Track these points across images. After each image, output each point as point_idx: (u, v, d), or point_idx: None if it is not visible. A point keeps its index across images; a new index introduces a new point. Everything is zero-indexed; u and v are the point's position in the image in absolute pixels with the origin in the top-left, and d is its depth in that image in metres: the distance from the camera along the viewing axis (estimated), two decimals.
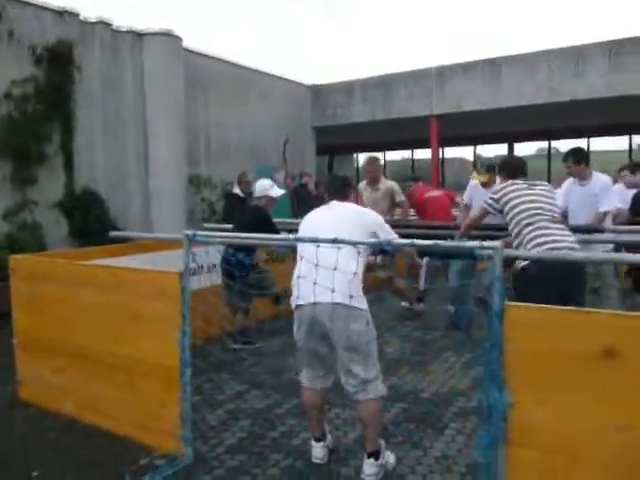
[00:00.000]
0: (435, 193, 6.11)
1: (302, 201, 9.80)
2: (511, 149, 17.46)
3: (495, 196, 3.50)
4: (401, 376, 4.22)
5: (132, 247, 5.05)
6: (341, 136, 15.39)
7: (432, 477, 2.75)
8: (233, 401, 3.79)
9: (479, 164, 5.60)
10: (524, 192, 3.38)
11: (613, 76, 10.21)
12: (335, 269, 2.52)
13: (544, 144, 17.14)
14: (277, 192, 4.68)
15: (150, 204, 9.34)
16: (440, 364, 4.53)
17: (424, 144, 13.59)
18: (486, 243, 1.99)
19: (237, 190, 7.77)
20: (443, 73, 12.21)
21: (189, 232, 2.78)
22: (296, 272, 2.70)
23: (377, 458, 2.73)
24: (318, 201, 11.86)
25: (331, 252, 2.55)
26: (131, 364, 3.12)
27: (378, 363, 2.75)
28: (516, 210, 3.36)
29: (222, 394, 3.90)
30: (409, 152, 18.98)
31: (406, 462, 2.89)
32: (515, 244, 3.31)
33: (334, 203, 2.91)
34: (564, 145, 16.99)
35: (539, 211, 3.30)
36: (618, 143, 16.91)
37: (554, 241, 3.15)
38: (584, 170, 4.59)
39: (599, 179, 4.62)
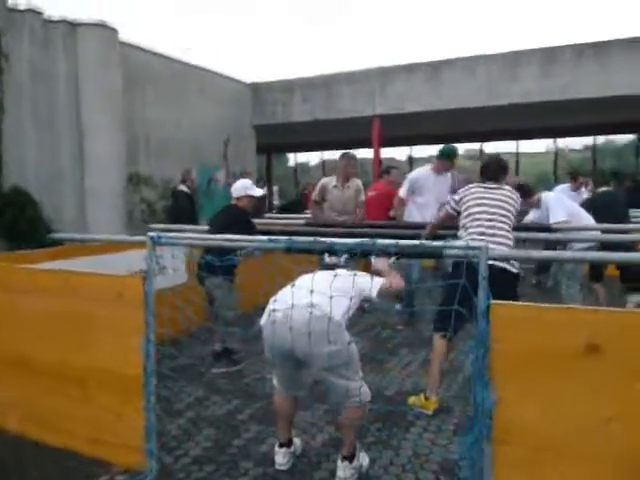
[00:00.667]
0: (371, 193, 6.10)
1: None
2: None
3: (456, 197, 3.55)
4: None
5: (75, 249, 4.76)
6: (281, 135, 15.29)
7: (406, 476, 2.74)
8: (193, 408, 3.64)
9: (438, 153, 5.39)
10: (479, 195, 3.43)
11: (545, 81, 10.73)
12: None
13: (474, 146, 17.85)
14: (258, 191, 4.43)
15: (85, 204, 8.87)
16: (398, 362, 4.56)
17: (365, 144, 13.72)
18: (472, 243, 1.99)
19: (183, 187, 7.55)
20: (385, 74, 12.38)
21: (153, 234, 2.63)
22: None
23: (351, 461, 2.69)
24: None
25: None
26: (84, 374, 2.92)
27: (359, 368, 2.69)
28: (465, 213, 3.43)
29: (180, 402, 3.74)
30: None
31: (378, 463, 2.87)
32: None
33: None
34: (493, 147, 17.85)
35: (481, 215, 3.35)
36: (547, 145, 17.90)
37: None
38: None
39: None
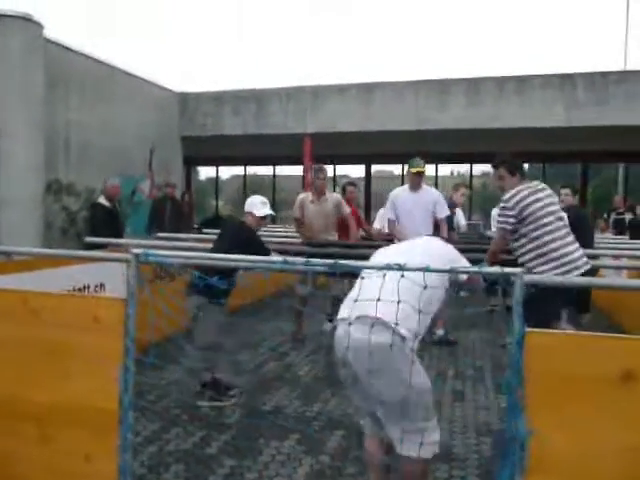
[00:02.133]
0: None
1: (159, 215, 9.18)
2: (369, 168, 18.50)
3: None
4: (326, 401, 4.06)
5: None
6: (209, 148, 14.90)
7: None
8: (153, 443, 3.30)
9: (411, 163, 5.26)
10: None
11: (472, 110, 11.33)
12: None
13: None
14: (265, 211, 4.03)
15: None
16: None
17: (295, 161, 13.71)
18: (507, 269, 1.94)
19: (102, 200, 6.96)
20: (318, 93, 12.48)
21: (138, 251, 2.34)
22: None
23: None
24: (182, 214, 11.20)
25: None
26: (43, 411, 2.53)
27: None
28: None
29: (136, 436, 3.38)
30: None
31: None
32: None
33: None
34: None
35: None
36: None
37: None
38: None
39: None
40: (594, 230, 5.81)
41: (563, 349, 1.91)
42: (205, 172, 20.57)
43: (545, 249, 3.29)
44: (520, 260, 3.38)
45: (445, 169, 18.47)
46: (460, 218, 7.37)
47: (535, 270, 3.27)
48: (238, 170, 20.40)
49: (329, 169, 18.85)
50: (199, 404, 3.88)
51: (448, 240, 3.17)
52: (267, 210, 4.02)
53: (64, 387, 2.50)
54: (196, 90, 13.54)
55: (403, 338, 2.06)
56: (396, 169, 18.62)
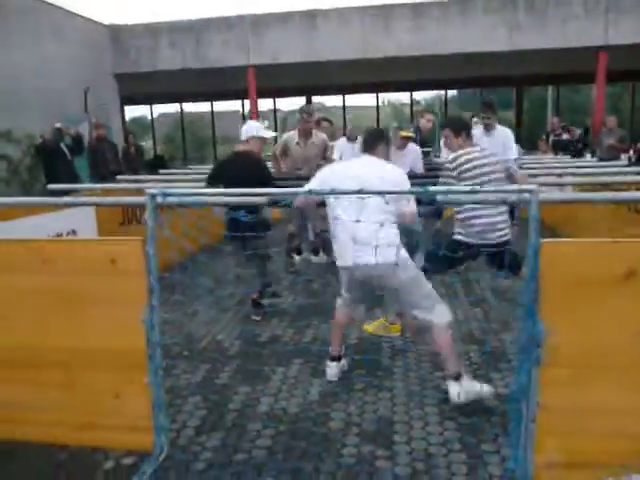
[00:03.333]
0: None
1: (100, 158, 8.84)
2: (309, 101, 18.20)
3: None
4: (316, 328, 4.24)
5: None
6: (144, 85, 14.12)
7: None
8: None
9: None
10: None
11: (416, 35, 11.27)
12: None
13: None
14: (269, 133, 4.24)
15: None
16: None
17: (235, 95, 13.29)
18: (524, 186, 2.09)
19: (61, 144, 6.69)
20: (258, 22, 11.97)
21: (155, 191, 2.31)
22: None
23: (458, 379, 2.88)
24: (128, 156, 10.75)
25: None
26: (66, 357, 2.54)
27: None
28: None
29: None
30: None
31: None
32: None
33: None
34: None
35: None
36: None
37: None
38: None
39: None
40: None
41: (573, 255, 2.11)
42: (130, 112, 19.41)
43: (471, 214, 3.48)
44: (456, 216, 3.62)
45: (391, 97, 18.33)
46: None
47: (457, 230, 3.57)
48: (167, 108, 19.53)
49: (269, 103, 18.45)
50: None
51: None
52: (271, 131, 4.18)
53: (85, 332, 2.52)
54: (129, 22, 12.65)
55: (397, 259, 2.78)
56: (339, 100, 18.40)
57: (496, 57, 11.66)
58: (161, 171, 7.50)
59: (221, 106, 19.46)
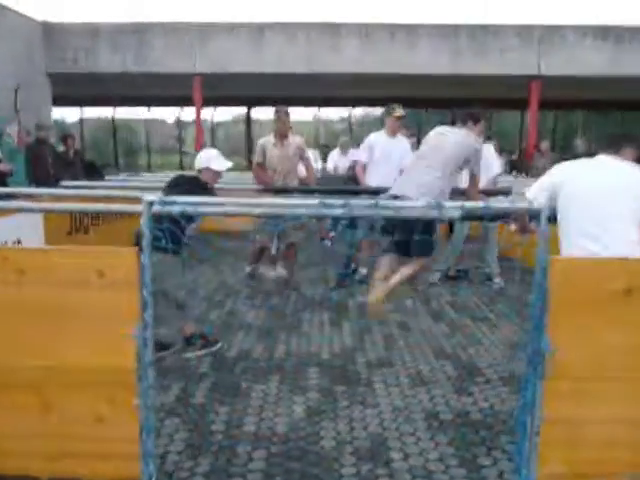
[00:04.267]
0: None
1: (40, 161, 8.34)
2: (248, 114, 18.18)
3: None
4: (286, 342, 4.15)
5: None
6: (83, 86, 13.47)
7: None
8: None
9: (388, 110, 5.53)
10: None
11: (364, 55, 11.49)
12: None
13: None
14: (224, 164, 3.76)
15: None
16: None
17: (186, 103, 12.97)
18: (535, 203, 2.13)
19: None
20: (206, 30, 11.77)
21: (153, 198, 2.16)
22: None
23: None
24: (67, 161, 10.23)
25: None
26: (40, 378, 2.30)
27: None
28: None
29: None
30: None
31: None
32: None
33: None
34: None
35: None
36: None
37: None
38: None
39: None
40: None
41: (581, 271, 2.18)
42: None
43: None
44: None
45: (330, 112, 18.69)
46: None
47: None
48: (95, 112, 18.82)
49: (209, 112, 18.13)
50: (189, 356, 3.76)
51: None
52: (227, 163, 3.79)
53: (62, 349, 2.30)
54: (64, 20, 12.02)
55: None
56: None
57: (439, 80, 12.13)
58: (109, 177, 7.13)
59: (156, 113, 18.97)
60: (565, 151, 11.08)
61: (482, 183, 4.57)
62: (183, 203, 2.18)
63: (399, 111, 5.46)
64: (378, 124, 20.78)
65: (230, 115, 22.54)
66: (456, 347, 4.09)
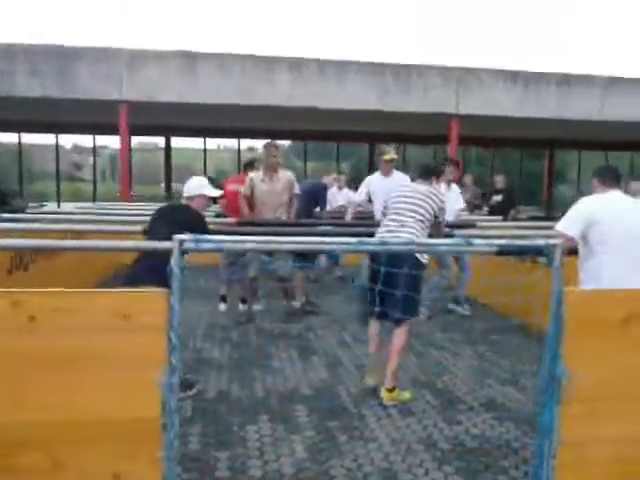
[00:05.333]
0: (232, 186, 5.76)
1: None
2: (168, 143, 17.86)
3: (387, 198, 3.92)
4: (262, 380, 4.06)
5: None
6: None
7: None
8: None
9: (380, 150, 5.73)
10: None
11: (296, 88, 11.73)
12: None
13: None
14: (213, 191, 3.76)
15: None
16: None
17: (111, 130, 12.45)
18: (551, 240, 2.30)
19: None
20: (134, 57, 11.47)
21: (184, 237, 2.08)
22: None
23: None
24: None
25: None
26: (50, 434, 2.10)
27: None
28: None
29: None
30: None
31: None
32: None
33: None
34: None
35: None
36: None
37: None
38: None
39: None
40: None
41: (591, 301, 2.38)
42: None
43: None
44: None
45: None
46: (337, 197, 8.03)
47: None
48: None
49: (114, 140, 17.64)
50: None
51: None
52: (217, 190, 3.79)
53: (76, 401, 2.12)
54: None
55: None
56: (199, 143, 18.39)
57: (368, 116, 12.63)
58: (46, 209, 6.67)
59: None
60: (483, 185, 11.87)
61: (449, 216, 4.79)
62: (217, 241, 2.12)
63: (388, 155, 5.66)
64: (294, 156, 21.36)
65: (139, 143, 22.20)
66: (429, 375, 4.21)
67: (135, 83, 11.42)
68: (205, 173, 19.64)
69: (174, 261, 2.11)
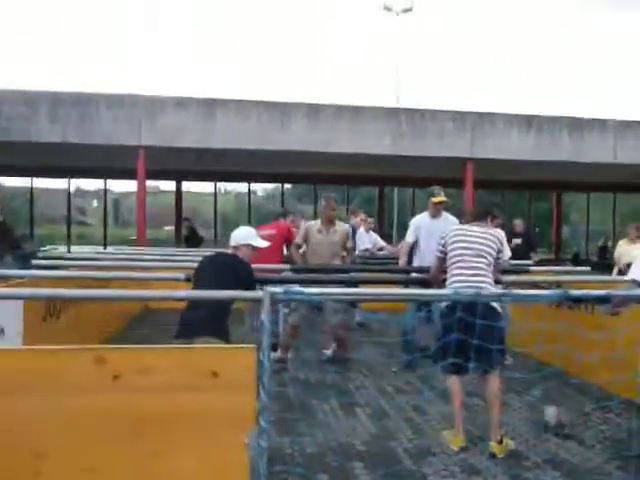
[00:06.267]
0: (266, 232, 5.72)
1: None
2: (179, 187, 18.03)
3: (442, 241, 3.75)
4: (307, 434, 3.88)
5: None
6: (17, 155, 12.65)
7: None
8: None
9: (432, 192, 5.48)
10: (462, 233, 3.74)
11: (311, 133, 11.86)
12: None
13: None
14: (261, 242, 3.74)
15: None
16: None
17: (129, 175, 12.54)
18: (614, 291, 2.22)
19: None
20: (153, 103, 11.65)
21: (275, 289, 1.99)
22: None
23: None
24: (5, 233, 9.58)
25: None
26: None
27: None
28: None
29: None
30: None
31: None
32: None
33: None
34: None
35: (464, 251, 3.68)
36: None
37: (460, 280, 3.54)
38: None
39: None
40: None
41: None
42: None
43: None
44: None
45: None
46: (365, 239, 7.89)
47: None
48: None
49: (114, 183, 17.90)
50: None
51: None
52: (265, 242, 3.79)
53: (160, 466, 1.98)
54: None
55: None
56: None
57: (382, 160, 12.73)
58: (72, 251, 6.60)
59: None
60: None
61: None
62: (308, 293, 2.03)
63: (437, 198, 5.46)
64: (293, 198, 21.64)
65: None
66: (483, 428, 4.02)
67: (154, 129, 11.56)
68: (215, 216, 19.73)
69: (265, 314, 2.01)
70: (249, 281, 3.40)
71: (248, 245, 3.66)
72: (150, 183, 19.45)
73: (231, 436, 1.96)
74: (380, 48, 56.91)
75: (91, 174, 16.74)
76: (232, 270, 3.46)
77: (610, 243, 19.85)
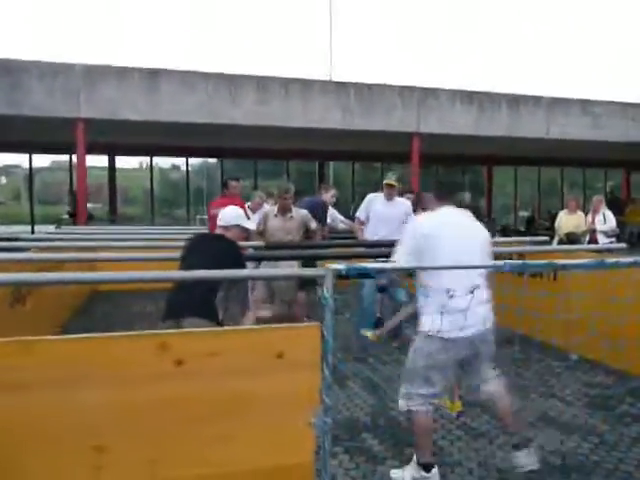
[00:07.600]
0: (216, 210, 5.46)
1: None
2: (112, 164, 17.17)
3: None
4: None
5: None
6: None
7: None
8: None
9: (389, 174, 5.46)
10: None
11: (258, 107, 11.62)
12: None
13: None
14: (251, 224, 3.62)
15: None
16: None
17: (69, 149, 11.76)
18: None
19: None
20: (91, 73, 10.93)
21: (338, 266, 1.97)
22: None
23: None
24: None
25: None
26: None
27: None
28: None
29: None
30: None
31: None
32: None
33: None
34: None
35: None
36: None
37: None
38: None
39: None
40: None
41: None
42: None
43: None
44: None
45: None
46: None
47: None
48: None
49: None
50: None
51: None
52: (253, 224, 3.69)
53: (228, 452, 1.94)
54: None
55: None
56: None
57: (331, 134, 12.71)
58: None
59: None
60: None
61: None
62: (364, 268, 2.03)
63: (387, 180, 5.49)
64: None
65: (48, 161, 21.31)
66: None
67: (93, 100, 10.87)
68: (152, 193, 18.94)
69: (327, 291, 1.99)
70: (240, 263, 3.31)
71: (238, 226, 3.56)
72: (62, 158, 18.14)
73: (297, 415, 1.94)
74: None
75: (16, 148, 15.54)
76: (222, 252, 3.36)
77: (536, 215, 21.11)
